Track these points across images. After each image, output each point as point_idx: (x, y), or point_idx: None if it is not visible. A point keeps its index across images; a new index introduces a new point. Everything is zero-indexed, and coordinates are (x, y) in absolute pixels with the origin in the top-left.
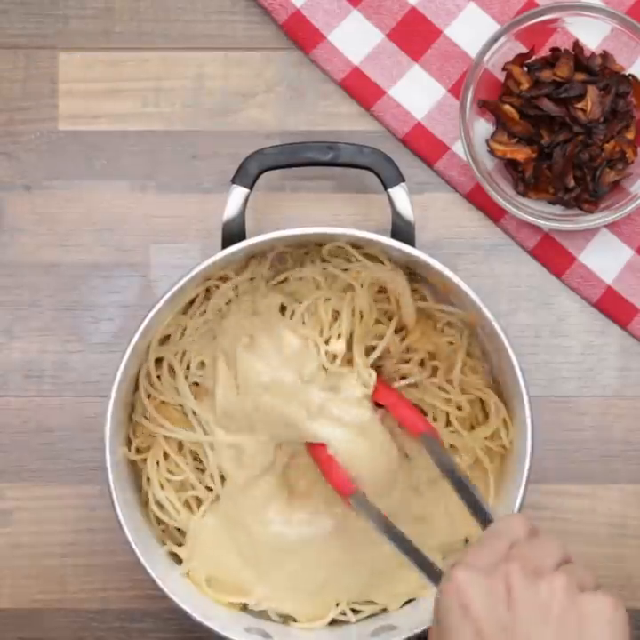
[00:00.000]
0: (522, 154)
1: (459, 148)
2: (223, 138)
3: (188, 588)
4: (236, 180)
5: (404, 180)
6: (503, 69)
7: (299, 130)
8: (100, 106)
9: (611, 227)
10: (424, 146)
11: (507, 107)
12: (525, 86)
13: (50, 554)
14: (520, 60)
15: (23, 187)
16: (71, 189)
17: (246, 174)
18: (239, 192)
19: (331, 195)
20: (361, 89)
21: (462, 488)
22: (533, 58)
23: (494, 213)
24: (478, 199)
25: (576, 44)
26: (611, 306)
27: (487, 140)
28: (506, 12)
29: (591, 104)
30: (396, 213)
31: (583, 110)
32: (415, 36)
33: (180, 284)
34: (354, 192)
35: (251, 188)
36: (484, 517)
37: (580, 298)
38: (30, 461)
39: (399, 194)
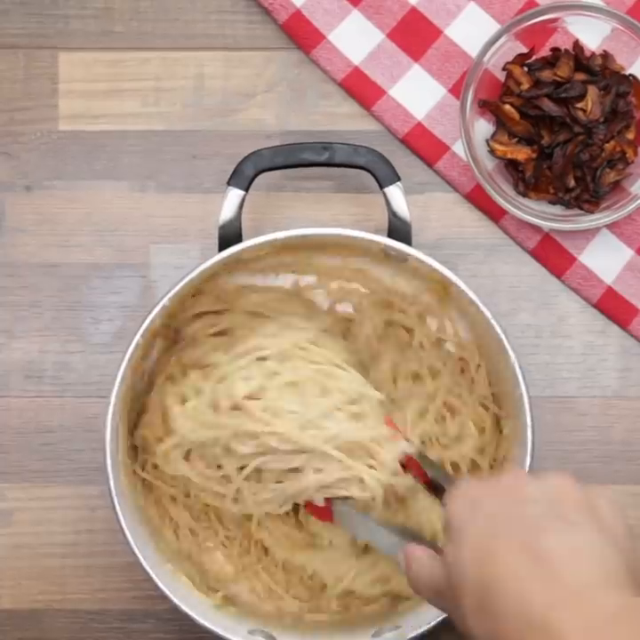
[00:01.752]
0: (522, 154)
1: (459, 147)
2: (223, 138)
3: (188, 589)
4: (231, 181)
5: (399, 179)
6: (503, 69)
7: (299, 130)
8: (100, 106)
9: (611, 227)
10: (424, 146)
11: (507, 107)
12: (526, 86)
13: (50, 554)
14: (520, 59)
15: (23, 187)
16: (71, 189)
17: (242, 176)
18: (235, 194)
19: (331, 195)
20: (361, 89)
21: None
22: (534, 58)
23: (494, 213)
24: (478, 199)
25: (576, 44)
26: (611, 306)
27: (487, 140)
28: (506, 11)
29: (591, 104)
30: (392, 213)
31: (583, 110)
32: (415, 35)
33: (181, 284)
34: (354, 192)
35: (246, 189)
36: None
37: (581, 298)
38: (31, 462)
39: (395, 193)
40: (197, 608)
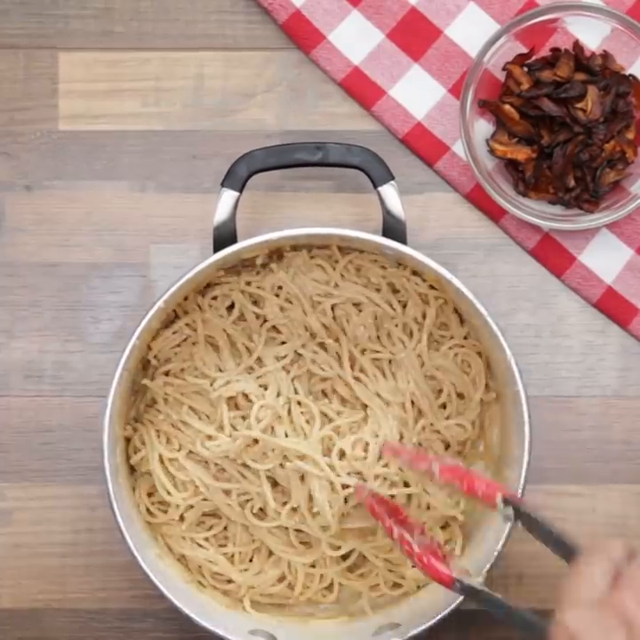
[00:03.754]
0: (522, 154)
1: (459, 147)
2: (223, 138)
3: (189, 589)
4: (225, 183)
5: (393, 178)
6: (503, 69)
7: (299, 130)
8: (100, 106)
9: (611, 227)
10: (424, 146)
11: (507, 107)
12: (526, 86)
13: (50, 554)
14: (520, 60)
15: (23, 187)
16: (71, 189)
17: (235, 177)
18: (229, 195)
19: (330, 195)
20: (361, 89)
21: (534, 527)
22: (534, 58)
23: (494, 213)
24: (478, 199)
25: (576, 44)
26: (611, 306)
27: (487, 140)
28: (506, 12)
29: (591, 104)
30: (386, 211)
31: (583, 110)
32: (415, 36)
33: (177, 285)
34: (353, 191)
35: (240, 190)
36: (567, 549)
37: (580, 298)
38: (30, 461)
39: (389, 192)
40: (197, 608)
